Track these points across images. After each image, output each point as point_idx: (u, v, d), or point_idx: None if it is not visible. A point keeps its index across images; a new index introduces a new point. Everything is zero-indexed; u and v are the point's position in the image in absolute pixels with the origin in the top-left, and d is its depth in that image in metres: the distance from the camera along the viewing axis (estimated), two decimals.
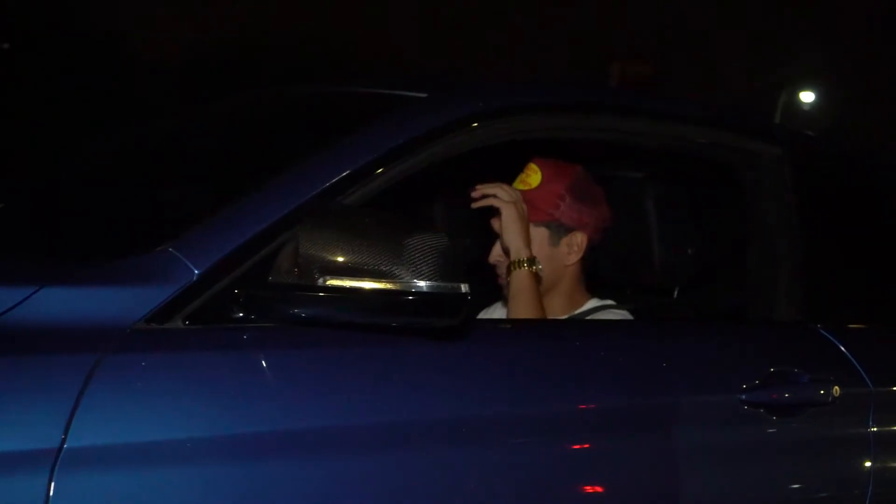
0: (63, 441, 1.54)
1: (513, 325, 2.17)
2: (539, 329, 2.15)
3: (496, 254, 2.51)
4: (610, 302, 2.55)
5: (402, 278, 1.70)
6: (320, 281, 1.71)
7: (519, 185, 2.50)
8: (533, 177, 2.49)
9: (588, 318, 2.49)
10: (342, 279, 1.71)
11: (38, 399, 1.56)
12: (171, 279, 1.72)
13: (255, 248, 1.78)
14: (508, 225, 2.37)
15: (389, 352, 1.81)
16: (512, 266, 2.37)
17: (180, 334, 1.70)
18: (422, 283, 1.70)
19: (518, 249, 2.37)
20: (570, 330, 2.22)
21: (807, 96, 16.32)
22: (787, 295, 2.43)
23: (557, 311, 2.51)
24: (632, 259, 2.63)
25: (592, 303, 2.55)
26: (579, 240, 2.49)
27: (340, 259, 1.71)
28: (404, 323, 1.74)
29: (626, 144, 2.42)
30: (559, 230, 2.48)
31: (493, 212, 2.45)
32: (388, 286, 1.70)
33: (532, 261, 2.37)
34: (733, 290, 2.62)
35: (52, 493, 1.52)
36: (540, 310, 2.35)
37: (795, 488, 2.21)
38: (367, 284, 1.70)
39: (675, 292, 2.73)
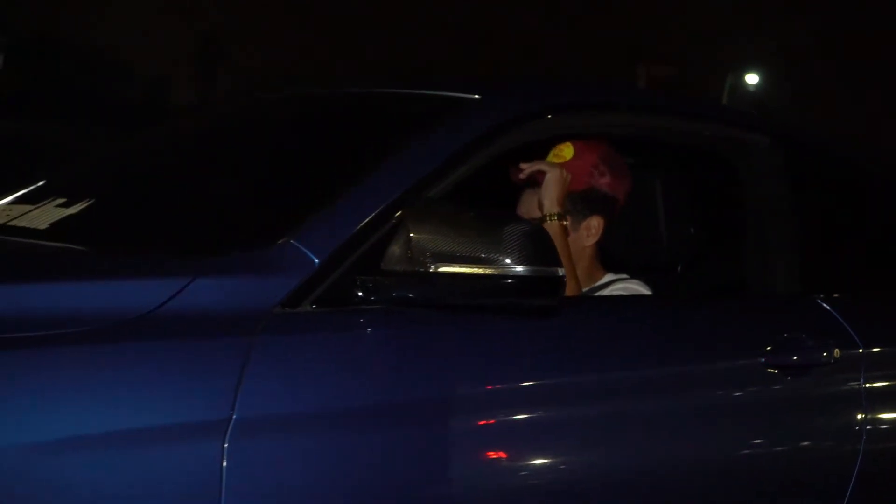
0: (232, 412, 1.77)
1: (588, 304, 2.44)
2: (600, 306, 2.43)
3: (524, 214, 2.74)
4: (625, 276, 2.84)
5: (503, 264, 1.96)
6: (432, 267, 1.96)
7: (553, 159, 2.74)
8: (566, 150, 2.73)
9: (607, 290, 2.77)
10: (451, 266, 1.96)
11: (206, 376, 1.79)
12: (296, 269, 1.95)
13: (364, 238, 2.02)
14: (550, 184, 2.60)
15: (491, 329, 2.07)
16: (546, 218, 2.62)
17: (310, 317, 1.94)
18: (520, 268, 1.97)
19: (552, 204, 2.61)
20: (625, 306, 2.50)
21: (751, 79, 16.83)
22: (786, 270, 2.74)
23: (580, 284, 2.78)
24: (640, 238, 2.92)
25: (609, 276, 2.83)
26: (596, 223, 2.77)
27: (448, 248, 1.96)
28: (507, 304, 2.00)
29: (644, 137, 2.71)
30: (580, 214, 2.74)
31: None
32: (492, 271, 1.96)
33: (563, 215, 2.62)
34: (731, 266, 2.92)
35: (225, 456, 1.75)
36: (569, 262, 2.59)
37: (805, 438, 2.52)
38: (473, 270, 1.96)
39: (679, 268, 3.03)
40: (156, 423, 1.73)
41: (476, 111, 2.32)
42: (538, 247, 1.98)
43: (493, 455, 2.03)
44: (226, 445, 1.75)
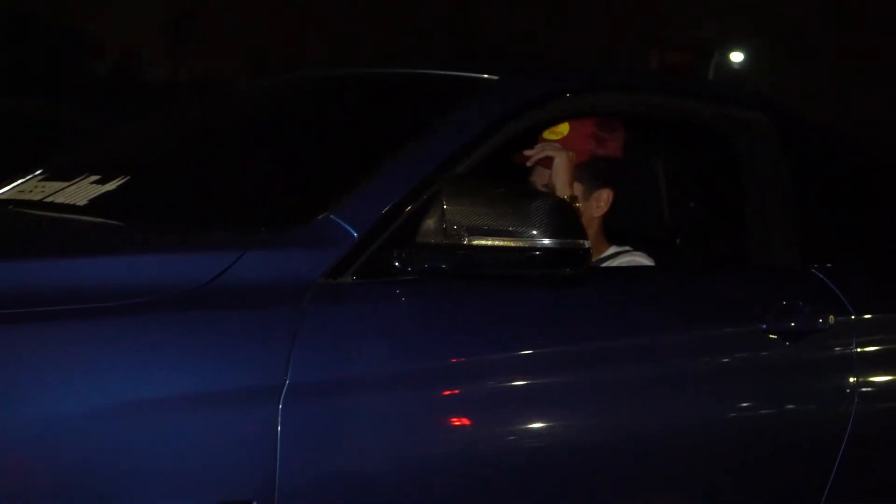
0: (286, 377, 1.89)
1: (601, 275, 2.57)
2: (613, 277, 2.56)
3: None
4: (628, 248, 2.97)
5: (531, 236, 2.09)
6: (465, 240, 2.09)
7: (549, 135, 2.87)
8: (561, 126, 2.86)
9: (613, 261, 2.91)
10: (484, 239, 2.09)
11: (261, 344, 1.91)
12: (337, 242, 2.08)
13: (399, 212, 2.15)
14: (560, 169, 2.73)
15: (519, 298, 2.21)
16: None
17: (351, 287, 2.06)
18: (547, 241, 2.10)
19: (564, 187, 2.75)
20: (634, 276, 2.63)
21: (736, 56, 16.97)
22: (782, 242, 2.89)
23: None
24: (642, 212, 3.05)
25: (614, 248, 2.97)
26: (605, 195, 2.90)
27: (480, 222, 2.09)
28: (536, 274, 2.13)
29: (648, 116, 2.85)
30: (593, 181, 2.87)
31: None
32: (521, 244, 2.09)
33: (575, 198, 2.76)
34: (728, 239, 3.06)
35: (280, 418, 1.88)
36: None
37: (802, 401, 2.67)
38: (504, 242, 2.09)
39: (679, 241, 3.17)
40: (216, 388, 1.85)
41: (501, 91, 2.44)
42: (565, 220, 2.11)
43: (521, 416, 2.16)
44: (280, 408, 1.88)
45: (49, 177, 2.74)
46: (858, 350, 2.78)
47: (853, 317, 2.79)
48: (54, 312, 1.77)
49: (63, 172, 2.72)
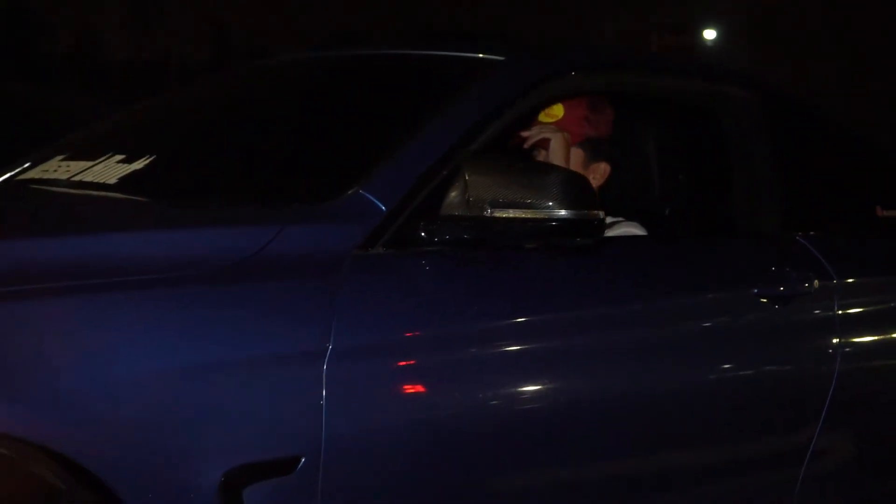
0: (329, 342, 2.03)
1: (610, 244, 2.71)
2: (614, 246, 2.71)
3: None
4: (621, 219, 3.13)
5: (548, 208, 2.24)
6: (487, 212, 2.24)
7: (545, 118, 3.01)
8: (555, 109, 3.00)
9: (608, 231, 3.06)
10: (504, 210, 2.24)
11: (306, 312, 2.05)
12: (367, 216, 2.21)
13: (423, 187, 2.28)
14: (557, 149, 2.88)
15: (537, 266, 2.36)
16: None
17: (382, 258, 2.20)
18: (563, 212, 2.25)
19: (561, 165, 2.90)
20: (634, 245, 2.79)
21: (709, 34, 17.08)
22: (767, 211, 3.06)
23: None
24: (633, 185, 3.21)
25: (609, 219, 3.12)
26: (602, 169, 3.05)
27: (501, 195, 2.24)
28: (553, 243, 2.29)
29: (639, 93, 3.00)
30: (592, 154, 3.01)
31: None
32: (540, 215, 2.24)
33: None
34: (715, 209, 3.23)
35: (325, 379, 2.02)
36: None
37: (789, 361, 2.84)
38: (522, 214, 2.24)
39: (667, 212, 3.33)
40: (267, 352, 1.98)
41: (510, 70, 2.58)
42: (580, 192, 2.27)
43: (537, 377, 2.32)
44: (325, 370, 2.01)
45: (70, 156, 2.85)
46: (840, 313, 2.96)
47: (835, 281, 2.96)
48: (119, 283, 1.90)
49: (84, 152, 2.83)
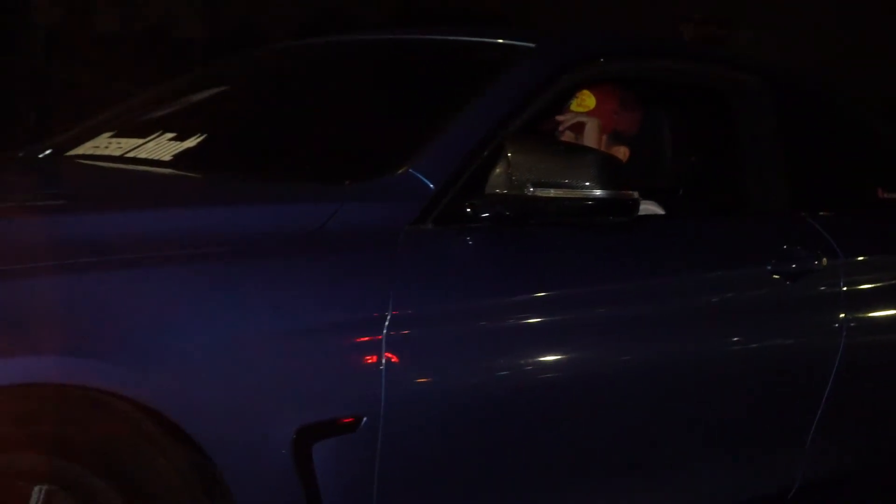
0: (388, 309, 2.19)
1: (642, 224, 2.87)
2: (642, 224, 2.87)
3: None
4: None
5: (587, 188, 2.40)
6: (528, 191, 2.39)
7: (577, 108, 3.17)
8: (588, 100, 3.16)
9: None
10: (545, 190, 2.39)
11: (367, 282, 2.20)
12: (417, 193, 2.36)
13: (468, 166, 2.44)
14: (591, 132, 3.04)
15: (575, 241, 2.52)
16: None
17: (432, 233, 2.35)
18: (600, 192, 2.41)
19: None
20: (656, 223, 2.95)
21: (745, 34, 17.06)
22: (776, 191, 3.23)
23: None
24: (648, 166, 3.37)
25: None
26: (623, 152, 3.21)
27: (542, 175, 2.39)
28: (592, 221, 2.45)
29: (655, 78, 3.16)
30: (614, 139, 3.18)
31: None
32: (578, 194, 2.40)
33: None
34: (725, 190, 3.39)
35: (384, 344, 2.17)
36: None
37: (799, 334, 3.01)
38: (563, 193, 2.40)
39: (681, 192, 3.50)
40: (332, 320, 2.14)
41: (545, 54, 2.74)
42: (615, 173, 2.42)
43: (575, 346, 2.48)
44: (384, 336, 2.17)
45: (118, 134, 2.99)
46: (846, 289, 3.14)
47: (841, 259, 3.14)
48: (202, 255, 2.05)
49: (133, 130, 2.97)
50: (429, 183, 2.38)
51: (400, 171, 2.40)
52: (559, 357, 2.45)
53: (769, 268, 2.93)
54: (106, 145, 2.93)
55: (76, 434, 1.83)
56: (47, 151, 3.17)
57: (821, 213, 3.21)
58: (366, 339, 2.16)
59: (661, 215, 3.06)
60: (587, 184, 2.40)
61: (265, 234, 2.15)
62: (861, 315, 3.16)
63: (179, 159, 2.67)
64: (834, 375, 3.05)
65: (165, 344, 1.93)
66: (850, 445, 3.18)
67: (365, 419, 2.14)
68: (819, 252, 3.07)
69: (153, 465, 1.91)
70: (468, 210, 2.40)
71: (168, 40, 12.76)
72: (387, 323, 2.18)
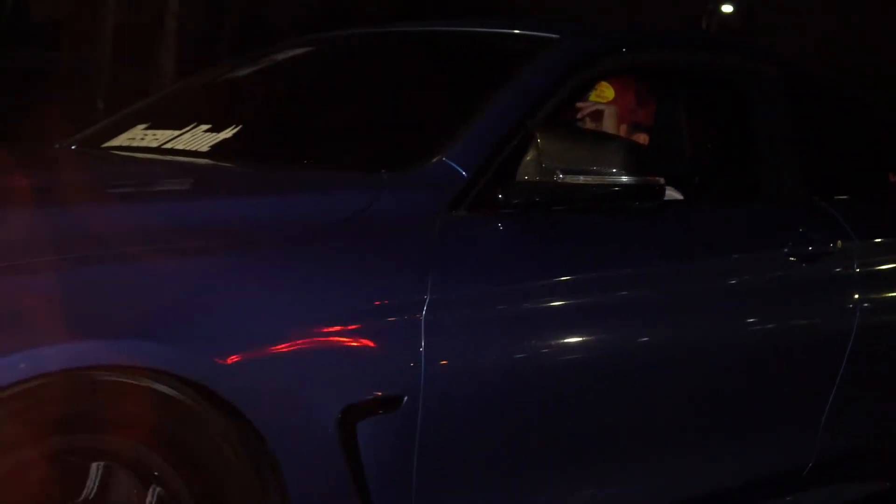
0: (427, 293, 2.28)
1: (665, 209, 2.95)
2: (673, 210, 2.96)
3: None
4: None
5: (614, 174, 2.49)
6: (557, 178, 2.48)
7: (596, 98, 3.27)
8: (607, 91, 3.26)
9: None
10: (574, 177, 2.48)
11: (406, 267, 2.29)
12: (451, 181, 2.45)
13: (498, 154, 2.52)
14: (609, 118, 3.14)
15: (603, 226, 2.61)
16: None
17: (466, 219, 2.44)
18: (626, 178, 2.50)
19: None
20: (678, 208, 3.04)
21: (726, 7, 17.05)
22: (791, 177, 3.32)
23: None
24: (666, 153, 3.46)
25: None
26: (642, 139, 3.31)
27: (571, 162, 2.48)
28: (619, 206, 2.54)
29: (674, 68, 3.25)
30: (630, 131, 3.28)
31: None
32: (606, 181, 2.49)
33: None
34: (741, 176, 3.48)
35: (423, 326, 2.26)
36: None
37: (815, 315, 3.11)
38: (592, 179, 2.48)
39: (697, 179, 3.59)
40: (375, 303, 2.22)
41: (570, 45, 2.83)
42: (641, 160, 2.51)
43: (604, 325, 2.58)
44: (423, 318, 2.26)
45: (153, 126, 3.07)
46: (859, 271, 3.23)
47: (855, 242, 3.23)
48: (252, 243, 2.13)
49: (167, 122, 3.05)
50: (462, 171, 2.47)
51: (434, 160, 2.48)
52: (588, 338, 2.55)
53: (786, 251, 3.03)
54: (141, 137, 3.01)
55: (134, 412, 1.92)
56: (81, 144, 3.26)
57: (834, 198, 3.31)
58: (406, 321, 2.25)
59: (680, 200, 3.15)
60: (614, 170, 2.49)
61: (311, 222, 2.24)
62: (874, 296, 3.25)
63: (217, 150, 2.75)
64: (848, 354, 3.14)
65: (221, 327, 2.01)
66: (864, 423, 3.28)
67: (406, 399, 2.23)
68: (833, 235, 3.17)
69: (208, 443, 2.00)
70: (500, 197, 2.48)
71: (175, 33, 12.83)
72: (425, 306, 2.27)
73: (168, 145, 2.86)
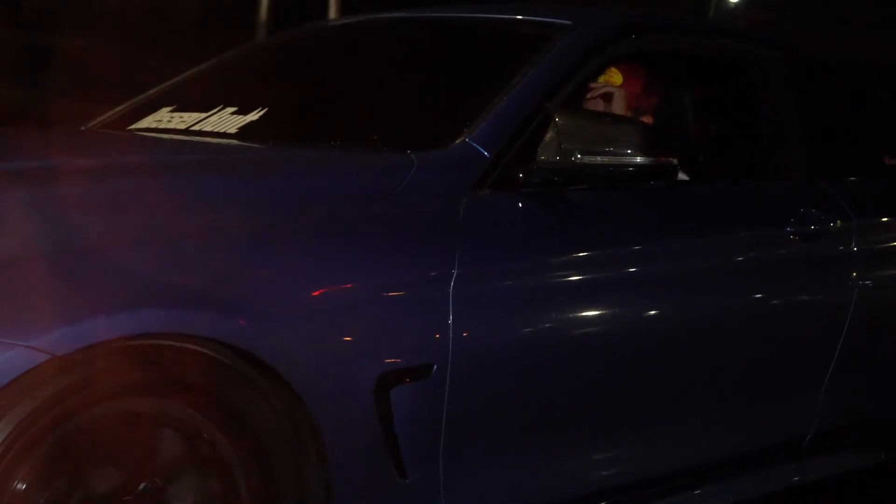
0: (455, 267, 2.40)
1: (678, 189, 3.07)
2: (684, 190, 3.08)
3: None
4: None
5: (630, 155, 2.61)
6: (577, 158, 2.59)
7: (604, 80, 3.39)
8: (615, 77, 3.38)
9: None
10: (592, 157, 2.60)
11: (436, 242, 2.41)
12: (475, 162, 2.57)
13: (519, 136, 2.64)
14: (619, 101, 3.26)
15: (618, 204, 2.74)
16: None
17: (489, 198, 2.55)
18: (641, 159, 2.62)
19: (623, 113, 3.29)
20: (684, 188, 3.16)
21: None
22: (792, 158, 3.44)
23: None
24: (671, 134, 3.58)
25: None
26: (647, 120, 3.43)
27: (588, 143, 2.59)
28: (634, 185, 2.66)
29: (694, 54, 3.38)
30: (640, 111, 3.40)
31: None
32: (622, 161, 2.61)
33: None
34: (743, 157, 3.61)
35: (451, 299, 2.38)
36: None
37: (815, 291, 3.24)
38: (608, 159, 2.60)
39: (701, 159, 3.71)
40: (407, 277, 2.34)
41: (585, 31, 2.94)
42: (655, 141, 2.63)
43: (617, 298, 2.70)
44: (451, 291, 2.38)
45: (178, 108, 3.18)
46: (857, 249, 3.36)
47: (854, 221, 3.36)
48: (294, 219, 2.25)
49: (192, 104, 3.16)
50: (485, 152, 2.59)
51: (458, 141, 2.60)
52: (604, 311, 2.67)
53: (788, 229, 3.15)
54: (168, 119, 3.11)
55: (188, 377, 2.03)
56: (106, 126, 3.37)
57: (834, 180, 3.43)
58: (435, 294, 2.37)
59: (687, 181, 3.28)
60: (629, 151, 2.61)
61: (348, 199, 2.36)
62: (871, 273, 3.38)
63: (245, 132, 2.86)
64: (847, 328, 3.28)
65: (267, 298, 2.13)
66: (861, 395, 3.42)
67: (435, 367, 2.35)
68: (833, 215, 3.29)
69: (255, 407, 2.12)
70: (520, 176, 2.60)
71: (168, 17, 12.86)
72: (453, 280, 2.39)
73: (196, 127, 2.96)
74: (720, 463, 3.07)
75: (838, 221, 3.29)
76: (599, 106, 3.34)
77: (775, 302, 3.13)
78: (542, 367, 2.55)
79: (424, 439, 2.37)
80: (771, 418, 3.19)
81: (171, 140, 2.93)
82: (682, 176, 3.40)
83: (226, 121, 2.94)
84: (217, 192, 2.24)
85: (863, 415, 3.46)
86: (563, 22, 3.02)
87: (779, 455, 3.26)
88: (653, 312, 2.77)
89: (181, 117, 3.08)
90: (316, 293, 2.21)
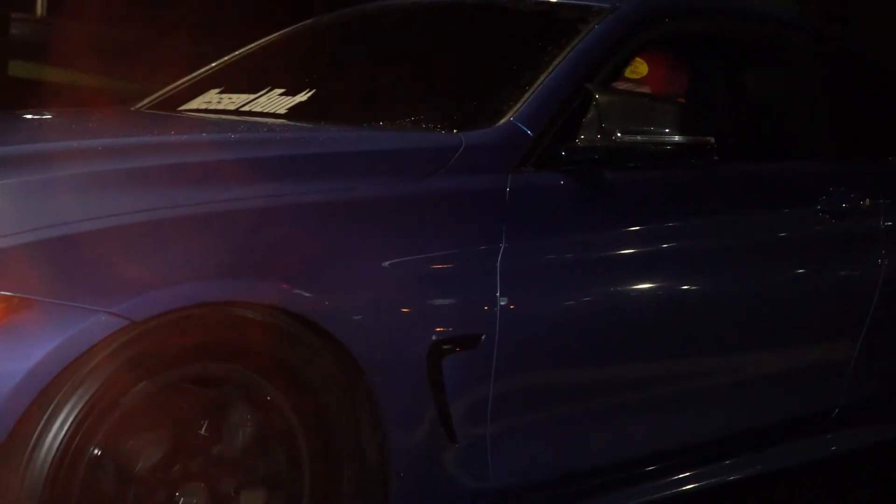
0: (502, 242, 2.50)
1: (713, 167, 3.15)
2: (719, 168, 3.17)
3: None
4: None
5: (668, 134, 2.70)
6: (617, 137, 2.69)
7: (631, 74, 3.48)
8: (641, 67, 3.46)
9: None
10: (632, 136, 2.69)
11: (485, 217, 2.51)
12: (519, 140, 2.67)
13: (560, 115, 2.74)
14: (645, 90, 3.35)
15: (657, 182, 2.84)
16: None
17: (533, 175, 2.65)
18: (679, 138, 2.71)
19: None
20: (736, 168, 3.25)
21: None
22: (821, 137, 3.53)
23: None
24: (701, 114, 3.67)
25: None
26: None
27: (628, 122, 2.69)
28: (673, 163, 2.76)
29: (726, 37, 3.47)
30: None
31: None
32: (661, 140, 2.70)
33: None
34: (772, 137, 3.69)
35: (499, 272, 2.48)
36: None
37: (845, 266, 3.33)
38: (648, 138, 2.70)
39: (730, 140, 3.80)
40: (457, 250, 2.45)
41: (623, 13, 3.03)
42: (693, 121, 2.73)
43: (656, 273, 2.80)
44: (499, 265, 2.48)
45: (227, 90, 3.28)
46: (885, 227, 3.45)
47: (882, 200, 3.45)
48: (353, 194, 2.35)
49: (241, 86, 3.26)
50: (528, 131, 2.68)
51: (503, 121, 2.70)
52: (644, 285, 2.77)
53: (819, 207, 3.25)
54: (218, 101, 3.22)
55: (256, 344, 2.15)
56: (156, 108, 3.47)
57: (862, 159, 3.52)
58: (483, 267, 2.47)
59: (719, 160, 3.37)
60: (668, 130, 2.70)
61: (403, 176, 2.46)
62: None
63: (295, 112, 2.96)
64: (875, 303, 3.37)
65: (329, 270, 2.24)
66: (889, 370, 3.51)
67: (483, 337, 2.45)
68: (862, 194, 3.38)
69: (315, 373, 2.23)
70: (562, 154, 2.69)
71: None
72: (500, 254, 2.49)
73: (245, 108, 3.07)
74: (753, 433, 3.17)
75: (867, 200, 3.38)
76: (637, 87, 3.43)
77: (807, 278, 3.22)
78: (584, 337, 2.65)
79: (473, 406, 2.48)
80: (802, 390, 3.29)
81: (227, 120, 3.03)
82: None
83: (275, 101, 3.04)
84: (282, 167, 2.34)
85: (890, 389, 3.55)
86: (602, 5, 3.11)
87: (809, 427, 3.36)
88: (689, 286, 2.87)
89: (230, 98, 3.18)
90: (374, 265, 2.32)
